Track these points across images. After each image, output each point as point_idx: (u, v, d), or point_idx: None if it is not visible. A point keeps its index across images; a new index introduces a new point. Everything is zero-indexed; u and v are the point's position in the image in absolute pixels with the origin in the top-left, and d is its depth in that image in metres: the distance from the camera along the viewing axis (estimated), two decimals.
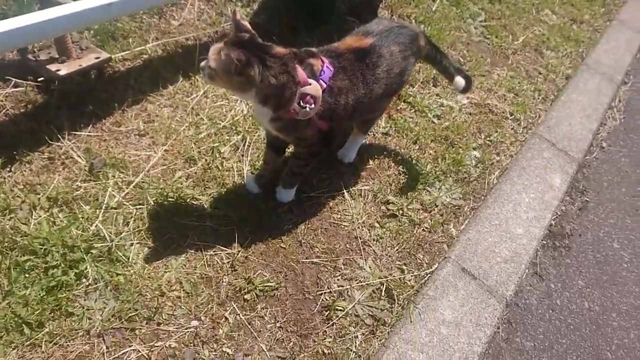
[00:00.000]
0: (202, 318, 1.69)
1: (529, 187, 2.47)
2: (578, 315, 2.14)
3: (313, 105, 1.73)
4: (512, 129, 2.87)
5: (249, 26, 1.68)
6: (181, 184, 2.02)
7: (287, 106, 1.72)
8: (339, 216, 2.12)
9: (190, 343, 1.62)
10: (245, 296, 1.78)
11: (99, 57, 2.20)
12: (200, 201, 1.99)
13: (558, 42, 3.78)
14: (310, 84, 1.71)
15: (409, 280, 1.97)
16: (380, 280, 1.94)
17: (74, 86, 2.17)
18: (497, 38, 3.61)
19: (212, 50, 1.62)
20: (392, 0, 3.45)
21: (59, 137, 2.01)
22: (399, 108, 2.73)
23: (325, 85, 1.76)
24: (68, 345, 1.53)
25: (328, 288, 1.87)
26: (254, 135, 2.30)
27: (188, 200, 1.96)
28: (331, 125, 1.89)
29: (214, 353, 1.62)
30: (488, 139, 2.73)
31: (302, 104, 1.72)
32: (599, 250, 2.43)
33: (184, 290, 1.73)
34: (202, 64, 1.66)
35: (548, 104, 3.14)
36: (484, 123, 2.82)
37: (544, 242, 2.36)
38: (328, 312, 1.81)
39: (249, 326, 1.71)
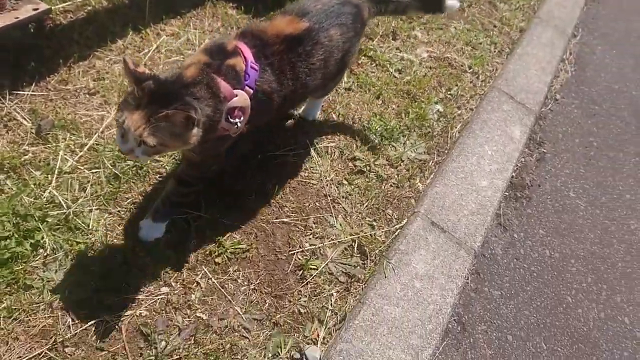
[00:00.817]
0: (173, 284, 1.62)
1: (491, 140, 2.49)
2: (540, 263, 2.20)
3: (242, 118, 1.52)
4: (471, 82, 2.87)
5: (144, 69, 1.37)
6: None
7: (217, 127, 1.49)
8: (306, 174, 2.07)
9: (162, 310, 1.56)
10: (216, 259, 1.71)
11: (37, 9, 2.00)
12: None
13: None
14: (236, 96, 1.48)
15: (380, 236, 1.95)
16: (352, 237, 1.91)
17: (11, 42, 1.97)
18: None
19: (135, 125, 1.28)
20: None
21: (0, 97, 1.83)
22: (360, 62, 2.66)
23: (252, 91, 1.53)
24: (29, 319, 1.43)
25: (300, 247, 1.83)
26: None
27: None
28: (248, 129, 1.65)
29: (187, 319, 1.56)
30: (449, 92, 2.72)
31: (230, 119, 1.49)
32: (557, 200, 2.50)
33: (150, 257, 1.64)
34: (124, 147, 1.34)
35: (504, 57, 3.16)
36: (444, 77, 2.80)
37: (507, 193, 2.40)
38: (302, 271, 1.78)
39: (222, 290, 1.65)
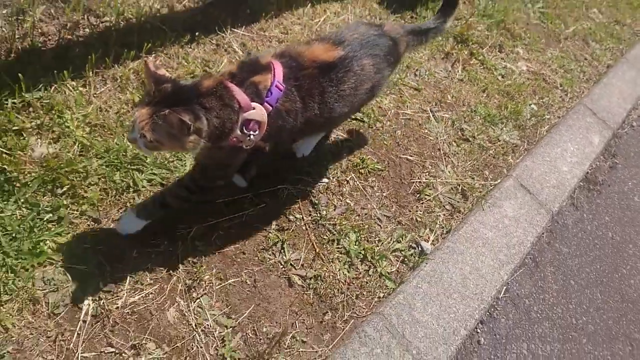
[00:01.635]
0: (331, 178, 2.21)
1: (574, 140, 3.00)
2: (603, 239, 2.68)
3: (257, 132, 1.55)
4: (560, 97, 3.39)
5: (165, 72, 1.47)
6: None
7: (229, 136, 1.53)
8: (426, 131, 2.65)
9: (324, 193, 2.15)
10: (360, 170, 2.30)
11: None
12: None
13: (602, 37, 4.29)
14: (254, 108, 1.52)
15: (478, 187, 2.50)
16: (457, 181, 2.46)
17: None
18: (551, 24, 4.12)
19: (140, 118, 1.39)
20: None
21: (223, 30, 2.52)
22: (471, 62, 3.24)
23: (271, 108, 1.56)
24: None
25: (418, 179, 2.40)
26: None
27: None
28: (265, 145, 1.71)
29: (340, 202, 2.15)
30: (541, 100, 3.25)
31: (245, 130, 1.53)
32: (623, 199, 2.97)
33: (317, 157, 2.25)
34: (130, 136, 1.46)
35: (591, 84, 3.66)
36: (538, 88, 3.34)
37: (581, 183, 2.89)
38: (419, 195, 2.34)
39: (363, 190, 2.24)
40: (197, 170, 1.70)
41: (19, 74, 1.84)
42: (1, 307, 1.44)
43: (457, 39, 3.31)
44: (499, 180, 2.56)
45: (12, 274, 1.50)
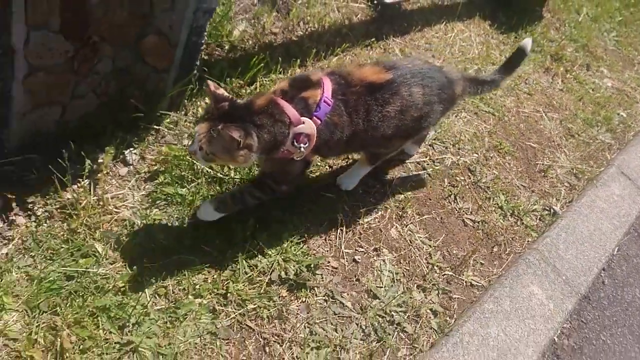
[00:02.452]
0: (478, 153, 2.83)
1: None
2: None
3: (307, 144, 1.66)
4: None
5: (224, 92, 1.63)
6: None
7: (280, 148, 1.66)
8: (541, 126, 3.25)
9: (476, 164, 2.77)
10: (499, 150, 2.91)
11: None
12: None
13: None
14: (303, 123, 1.63)
15: (587, 172, 3.08)
16: (571, 166, 3.05)
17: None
18: (625, 50, 4.73)
19: (200, 132, 1.55)
20: (554, 6, 4.61)
21: (386, 38, 3.20)
22: (567, 77, 3.86)
23: (320, 122, 1.67)
24: None
25: (541, 161, 2.99)
26: None
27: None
28: (314, 157, 1.89)
29: (488, 171, 2.76)
30: (626, 110, 3.84)
31: (295, 144, 1.65)
32: None
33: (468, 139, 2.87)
34: (190, 148, 1.62)
35: None
36: (622, 101, 3.93)
37: None
38: (544, 173, 2.93)
39: (504, 165, 2.85)
40: (262, 176, 1.88)
41: (267, 60, 2.51)
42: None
43: (553, 57, 3.93)
44: (602, 168, 3.14)
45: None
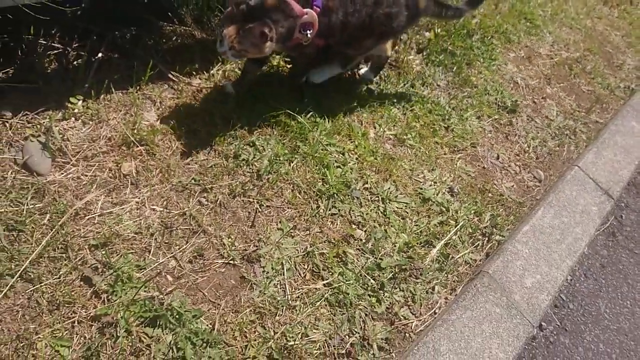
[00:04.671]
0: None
1: None
2: None
3: (312, 30, 1.99)
4: None
5: None
6: None
7: (292, 37, 1.99)
8: (611, 39, 4.62)
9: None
10: (591, 51, 4.27)
11: None
12: None
13: None
14: (306, 14, 1.95)
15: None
16: (634, 64, 4.43)
17: None
18: None
19: (229, 34, 1.84)
20: None
21: None
22: (619, 8, 5.21)
23: (319, 9, 1.98)
24: None
25: (616, 59, 4.37)
26: None
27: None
28: (327, 42, 2.17)
29: (585, 63, 4.12)
30: None
31: (302, 31, 1.98)
32: None
33: None
34: (222, 49, 1.90)
35: None
36: None
37: None
38: (619, 67, 4.30)
39: (595, 60, 4.20)
40: (299, 58, 2.38)
41: None
42: None
43: None
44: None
45: None
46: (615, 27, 4.78)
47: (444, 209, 2.35)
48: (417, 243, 2.15)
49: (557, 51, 3.99)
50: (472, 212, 2.38)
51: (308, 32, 1.99)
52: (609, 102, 3.68)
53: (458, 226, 2.28)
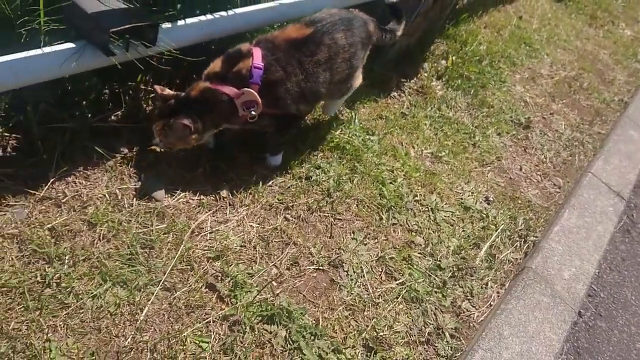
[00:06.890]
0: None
1: None
2: None
3: (256, 107, 1.91)
4: None
5: (169, 91, 1.93)
6: None
7: (237, 117, 1.94)
8: (600, 57, 5.09)
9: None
10: (585, 69, 4.72)
11: None
12: None
13: None
14: (243, 93, 1.87)
15: (634, 83, 4.92)
16: (624, 79, 4.89)
17: None
18: (631, 11, 6.64)
19: (157, 129, 1.91)
20: None
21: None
22: (603, 29, 5.71)
23: (257, 86, 1.89)
24: None
25: (607, 75, 4.82)
26: None
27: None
28: (284, 111, 2.06)
29: (583, 79, 4.56)
30: None
31: (245, 110, 1.91)
32: None
33: None
34: (154, 141, 1.98)
35: None
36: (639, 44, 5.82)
37: None
38: (611, 82, 4.76)
39: (588, 79, 4.65)
40: (267, 127, 2.16)
41: None
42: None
43: (591, 17, 5.79)
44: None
45: None
46: (602, 46, 5.25)
47: (484, 216, 2.68)
48: (467, 246, 2.48)
49: (556, 71, 4.41)
50: (508, 217, 2.72)
51: (252, 109, 1.93)
52: (607, 114, 4.09)
53: (499, 230, 2.60)
